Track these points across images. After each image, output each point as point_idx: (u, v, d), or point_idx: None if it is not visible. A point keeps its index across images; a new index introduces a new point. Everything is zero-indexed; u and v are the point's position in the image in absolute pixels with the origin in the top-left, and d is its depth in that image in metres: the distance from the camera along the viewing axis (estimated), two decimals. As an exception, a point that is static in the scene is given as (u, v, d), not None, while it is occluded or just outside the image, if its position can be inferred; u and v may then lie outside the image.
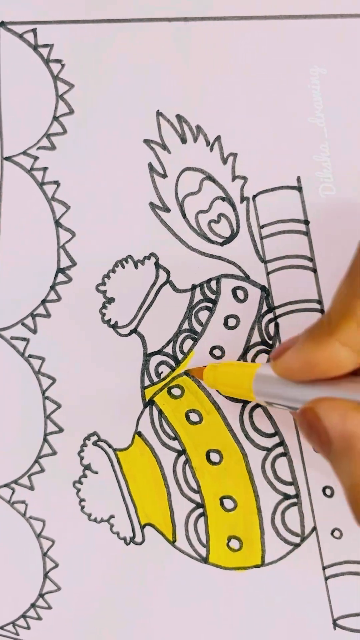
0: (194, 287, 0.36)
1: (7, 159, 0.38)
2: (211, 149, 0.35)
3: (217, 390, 0.36)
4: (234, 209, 0.35)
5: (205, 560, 0.38)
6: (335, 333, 0.24)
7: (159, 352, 0.37)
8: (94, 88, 0.36)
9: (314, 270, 0.34)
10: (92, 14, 0.36)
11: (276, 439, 0.36)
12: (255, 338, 0.36)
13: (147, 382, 0.38)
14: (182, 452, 0.38)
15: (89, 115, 0.37)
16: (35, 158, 0.38)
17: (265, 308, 0.35)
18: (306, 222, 0.34)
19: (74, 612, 0.40)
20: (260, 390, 0.30)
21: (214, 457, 0.37)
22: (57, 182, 0.38)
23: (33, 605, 0.41)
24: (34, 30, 0.37)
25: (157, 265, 0.37)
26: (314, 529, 0.36)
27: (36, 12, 0.37)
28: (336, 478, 0.25)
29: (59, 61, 0.37)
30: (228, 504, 0.37)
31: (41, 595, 0.41)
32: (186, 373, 0.37)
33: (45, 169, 0.38)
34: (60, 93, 0.37)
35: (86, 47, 0.36)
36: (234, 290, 0.36)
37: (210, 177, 0.35)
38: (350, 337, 0.24)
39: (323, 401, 0.25)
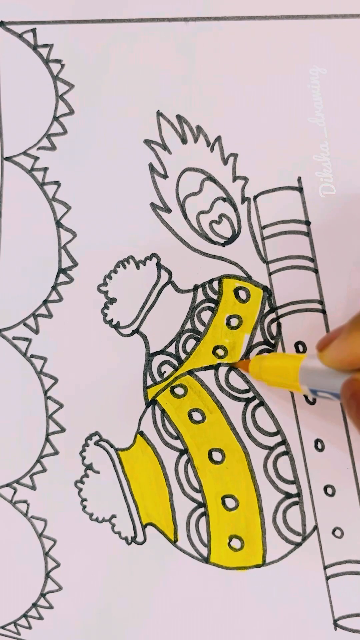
0: (196, 287, 0.36)
1: (8, 159, 0.38)
2: (212, 150, 0.35)
3: (264, 382, 0.36)
4: (235, 209, 0.35)
5: (206, 560, 0.38)
6: None
7: (162, 352, 0.38)
8: (94, 88, 0.36)
9: (316, 271, 0.34)
10: (92, 14, 0.35)
11: (278, 438, 0.36)
12: (258, 338, 0.36)
13: (149, 382, 0.38)
14: (184, 451, 0.38)
15: (89, 116, 0.36)
16: (36, 158, 0.38)
17: (267, 308, 0.35)
18: (307, 223, 0.34)
19: (75, 611, 0.40)
20: (306, 380, 0.31)
21: (216, 456, 0.37)
22: (57, 183, 0.38)
23: (34, 605, 0.41)
24: (33, 30, 0.37)
25: (159, 266, 0.37)
26: (315, 528, 0.36)
27: (36, 12, 0.37)
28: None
29: (58, 61, 0.36)
30: (230, 503, 0.37)
31: (42, 595, 0.41)
32: (232, 366, 0.37)
33: (45, 169, 0.38)
34: (60, 93, 0.37)
35: (86, 47, 0.36)
36: (236, 291, 0.36)
37: (211, 178, 0.35)
38: None
39: None
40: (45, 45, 0.37)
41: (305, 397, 0.35)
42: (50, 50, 0.37)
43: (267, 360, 0.34)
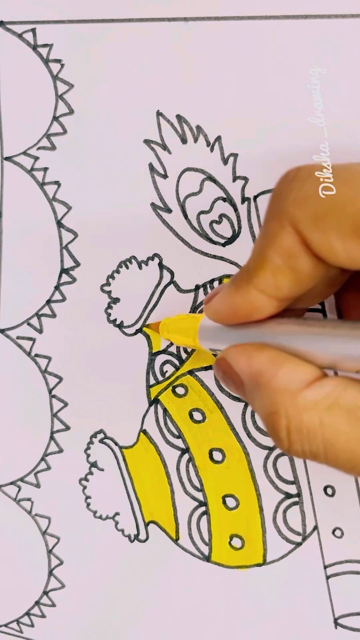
0: (197, 287, 0.36)
1: (8, 159, 0.38)
2: (211, 150, 0.35)
3: (170, 342, 0.37)
4: (235, 209, 0.35)
5: (207, 558, 0.38)
6: (252, 280, 0.26)
7: (164, 351, 0.38)
8: (94, 88, 0.36)
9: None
10: (92, 13, 0.35)
11: (278, 439, 0.36)
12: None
13: (152, 381, 0.38)
14: (185, 450, 0.38)
15: (89, 115, 0.36)
16: (36, 158, 0.38)
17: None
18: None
19: (77, 609, 0.41)
20: (203, 338, 0.32)
21: (217, 455, 0.37)
22: (57, 183, 0.38)
23: (37, 603, 0.42)
24: (33, 30, 0.36)
25: (161, 266, 0.37)
26: (316, 528, 0.36)
27: (35, 12, 0.36)
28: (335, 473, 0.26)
29: (58, 61, 0.36)
30: (230, 502, 0.37)
31: (45, 593, 0.42)
32: (145, 327, 0.38)
33: (45, 169, 0.38)
34: (60, 93, 0.37)
35: (86, 47, 0.36)
36: (235, 291, 0.36)
37: (211, 178, 0.35)
38: (266, 284, 0.26)
39: (231, 349, 0.28)
40: (45, 45, 0.36)
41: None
42: (50, 50, 0.36)
43: (173, 320, 0.35)
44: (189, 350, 0.37)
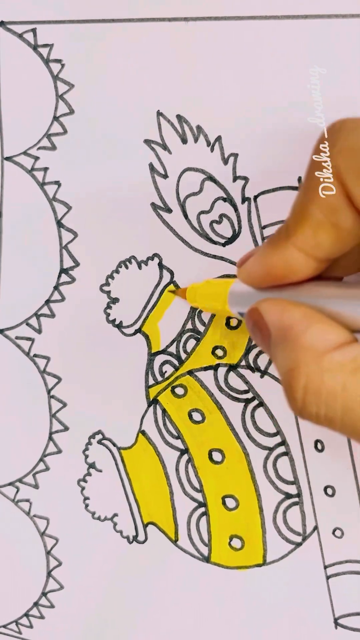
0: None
1: (8, 159, 0.38)
2: (212, 149, 0.35)
3: (199, 309, 0.37)
4: (236, 209, 0.35)
5: (207, 559, 0.38)
6: (291, 237, 0.25)
7: (163, 351, 0.38)
8: (94, 88, 0.36)
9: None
10: (92, 14, 0.35)
11: (278, 439, 0.36)
12: (257, 338, 0.36)
13: (151, 381, 0.38)
14: (185, 451, 0.38)
15: (89, 115, 0.36)
16: (36, 158, 0.38)
17: (266, 308, 0.35)
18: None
19: (76, 610, 0.41)
20: (233, 302, 0.31)
21: (216, 456, 0.37)
22: (58, 183, 0.38)
23: (36, 604, 0.42)
24: (33, 30, 0.37)
25: (161, 266, 0.37)
26: (316, 528, 0.36)
27: (36, 12, 0.36)
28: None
29: (58, 61, 0.36)
30: (230, 503, 0.37)
31: (44, 594, 0.41)
32: (170, 292, 0.37)
33: (46, 169, 0.38)
34: (60, 93, 0.37)
35: (86, 47, 0.36)
36: (235, 291, 0.36)
37: (211, 178, 0.35)
38: (305, 241, 0.25)
39: (266, 300, 0.27)
40: (45, 45, 0.37)
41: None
42: (51, 50, 0.36)
43: (202, 286, 0.35)
44: (189, 351, 0.37)
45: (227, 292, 0.31)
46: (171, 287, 0.37)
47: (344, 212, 0.24)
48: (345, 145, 0.23)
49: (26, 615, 0.42)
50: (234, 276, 0.35)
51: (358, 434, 0.23)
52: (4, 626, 0.43)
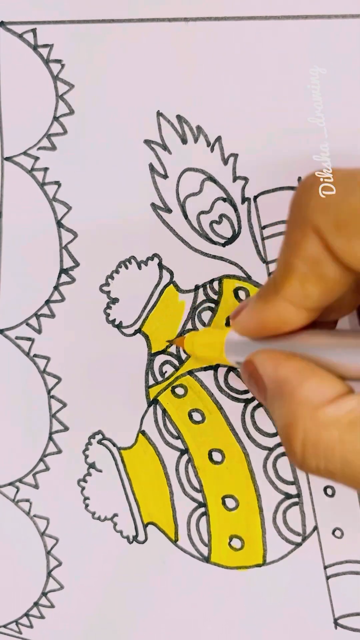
0: (197, 287, 0.36)
1: (8, 159, 0.38)
2: (212, 150, 0.35)
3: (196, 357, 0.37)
4: (235, 209, 0.35)
5: (207, 559, 0.38)
6: (279, 291, 0.25)
7: (163, 351, 0.38)
8: (94, 88, 0.36)
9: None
10: (92, 14, 0.35)
11: (278, 439, 0.36)
12: (257, 338, 0.36)
13: (151, 382, 0.38)
14: (184, 451, 0.38)
15: (89, 116, 0.36)
16: (36, 158, 0.38)
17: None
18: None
19: (76, 610, 0.41)
20: (230, 352, 0.31)
21: (216, 456, 0.37)
22: (58, 183, 0.38)
23: (36, 604, 0.42)
24: (33, 30, 0.37)
25: (161, 266, 0.37)
26: (315, 528, 0.36)
27: (36, 12, 0.36)
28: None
29: (59, 61, 0.36)
30: (230, 503, 0.37)
31: (44, 594, 0.41)
32: (169, 342, 0.37)
33: (46, 169, 0.38)
34: (60, 93, 0.37)
35: (86, 47, 0.36)
36: (235, 291, 0.36)
37: (211, 178, 0.35)
38: (293, 294, 0.25)
39: (259, 353, 0.27)
40: (45, 46, 0.37)
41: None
42: (51, 51, 0.36)
43: (199, 335, 0.35)
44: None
45: (224, 341, 0.31)
46: (170, 287, 0.37)
47: (327, 264, 0.24)
48: (320, 200, 0.24)
49: (26, 615, 0.42)
50: (235, 277, 0.35)
51: (359, 485, 0.24)
52: (4, 626, 0.43)
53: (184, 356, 0.37)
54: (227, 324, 0.36)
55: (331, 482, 0.24)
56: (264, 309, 0.26)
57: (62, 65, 0.36)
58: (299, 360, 0.26)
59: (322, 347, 0.26)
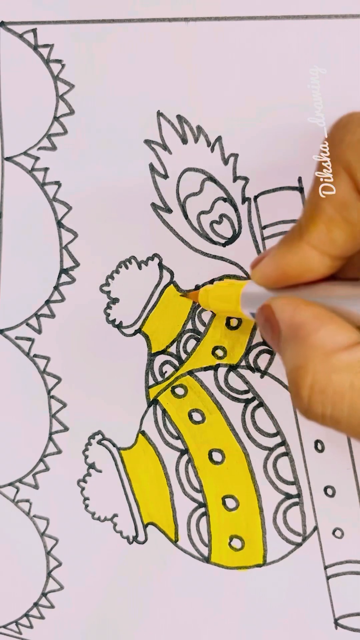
0: (197, 287, 0.36)
1: (8, 159, 0.38)
2: (212, 150, 0.35)
3: (212, 312, 0.36)
4: (236, 209, 0.35)
5: (207, 559, 0.38)
6: (304, 236, 0.25)
7: (163, 351, 0.38)
8: (94, 88, 0.36)
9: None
10: (92, 14, 0.35)
11: (278, 439, 0.36)
12: (257, 338, 0.36)
13: (151, 382, 0.38)
14: (184, 451, 0.38)
15: (90, 116, 0.36)
16: (36, 158, 0.38)
17: (267, 308, 0.35)
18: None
19: (76, 610, 0.41)
20: (245, 304, 0.30)
21: (217, 456, 0.37)
22: (58, 183, 0.38)
23: (36, 605, 0.42)
24: (34, 31, 0.37)
25: (161, 266, 0.37)
26: (316, 528, 0.36)
27: (36, 13, 0.36)
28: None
29: (59, 61, 0.36)
30: (230, 503, 0.37)
31: (44, 595, 0.41)
32: (182, 295, 0.37)
33: (46, 169, 0.38)
34: (61, 93, 0.37)
35: (86, 47, 0.36)
36: (235, 291, 0.36)
37: (211, 178, 0.35)
38: (319, 239, 0.25)
39: (278, 298, 0.27)
40: (45, 46, 0.37)
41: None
42: (51, 51, 0.36)
43: (213, 288, 0.34)
44: (189, 351, 0.37)
45: (240, 293, 0.31)
46: (170, 287, 0.37)
47: (356, 207, 0.23)
48: (355, 138, 0.23)
49: (26, 615, 0.42)
50: (235, 277, 0.35)
51: None
52: (4, 626, 0.43)
53: (183, 356, 0.37)
54: (228, 324, 0.36)
55: (329, 430, 0.24)
56: (287, 255, 0.26)
57: (63, 65, 0.36)
58: (318, 306, 0.25)
59: (343, 297, 0.25)
